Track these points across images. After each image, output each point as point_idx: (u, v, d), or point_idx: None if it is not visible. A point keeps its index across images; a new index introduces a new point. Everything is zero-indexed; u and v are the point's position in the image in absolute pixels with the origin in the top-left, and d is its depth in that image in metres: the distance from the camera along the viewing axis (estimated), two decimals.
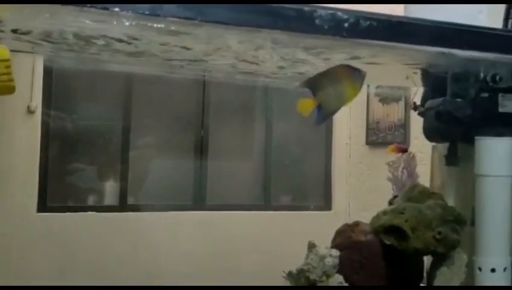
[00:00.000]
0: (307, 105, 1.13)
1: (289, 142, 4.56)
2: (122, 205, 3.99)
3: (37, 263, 3.58)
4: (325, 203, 4.56)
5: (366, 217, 1.42)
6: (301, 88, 1.16)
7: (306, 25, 1.08)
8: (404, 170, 1.52)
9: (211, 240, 3.98)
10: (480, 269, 1.28)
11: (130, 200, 4.05)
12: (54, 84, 3.82)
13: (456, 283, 1.28)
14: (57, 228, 3.70)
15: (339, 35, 1.12)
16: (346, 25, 1.11)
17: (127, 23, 0.95)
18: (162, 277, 3.78)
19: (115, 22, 0.96)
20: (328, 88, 1.15)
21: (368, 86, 4.02)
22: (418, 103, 1.59)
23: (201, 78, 3.80)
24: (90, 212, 3.85)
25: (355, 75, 1.17)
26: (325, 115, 1.16)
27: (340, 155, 4.58)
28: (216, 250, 3.96)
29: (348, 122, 4.58)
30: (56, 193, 3.87)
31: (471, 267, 1.30)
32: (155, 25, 0.98)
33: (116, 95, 4.04)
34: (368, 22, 1.15)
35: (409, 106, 1.53)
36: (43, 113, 3.75)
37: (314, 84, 1.15)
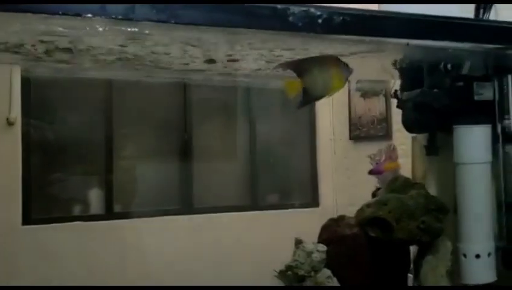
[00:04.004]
0: (294, 86, 1.13)
1: (274, 141, 4.57)
2: (109, 213, 3.95)
3: (24, 276, 3.53)
4: (313, 200, 4.57)
5: (353, 212, 1.42)
6: (283, 69, 1.15)
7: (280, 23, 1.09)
8: (386, 163, 1.53)
9: (200, 242, 3.97)
10: (465, 255, 1.30)
11: (117, 208, 4.01)
12: (33, 94, 3.78)
13: (442, 270, 1.30)
14: (43, 239, 3.65)
15: (313, 31, 1.13)
16: (320, 20, 1.12)
17: (101, 29, 0.95)
18: (152, 282, 3.76)
19: (87, 28, 0.95)
20: (315, 74, 1.15)
21: (349, 81, 4.07)
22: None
23: (181, 82, 3.79)
24: (76, 222, 3.82)
25: (343, 68, 1.18)
26: (308, 99, 1.15)
27: (325, 151, 4.60)
28: (206, 252, 3.95)
29: (331, 118, 4.61)
30: (40, 204, 3.82)
31: (456, 254, 1.32)
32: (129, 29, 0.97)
33: (96, 103, 4.01)
34: (341, 17, 1.16)
35: (390, 95, 1.53)
36: (23, 125, 3.70)
37: (300, 67, 1.15)
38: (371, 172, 1.72)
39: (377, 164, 1.76)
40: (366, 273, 1.27)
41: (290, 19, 1.09)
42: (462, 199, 1.33)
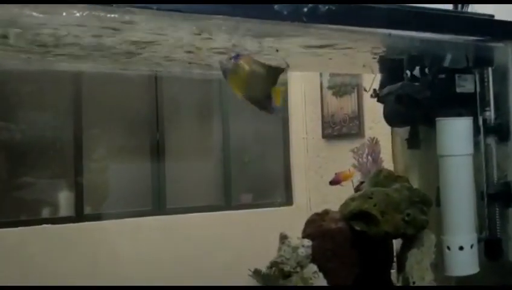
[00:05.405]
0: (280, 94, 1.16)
1: (247, 140, 4.54)
2: (79, 215, 3.84)
3: None
4: (286, 199, 4.57)
5: None
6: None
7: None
8: (369, 156, 1.52)
9: (173, 244, 3.90)
10: (448, 248, 1.30)
11: (87, 210, 3.90)
12: None
13: (426, 263, 1.29)
14: (11, 243, 3.52)
15: (298, 20, 1.11)
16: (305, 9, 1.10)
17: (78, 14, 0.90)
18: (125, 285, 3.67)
19: (64, 13, 0.90)
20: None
21: (321, 74, 4.07)
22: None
23: (153, 78, 3.72)
24: (45, 225, 3.69)
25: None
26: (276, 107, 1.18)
27: (298, 150, 4.60)
28: (180, 254, 3.88)
29: (304, 117, 4.61)
30: (6, 207, 3.69)
31: (440, 247, 1.32)
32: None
33: (65, 100, 3.88)
34: (326, 7, 1.14)
35: (370, 94, 1.52)
36: None
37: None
38: (331, 183, 1.77)
39: (336, 174, 1.81)
40: (352, 267, 1.25)
41: (276, 7, 1.06)
42: (445, 192, 1.33)
